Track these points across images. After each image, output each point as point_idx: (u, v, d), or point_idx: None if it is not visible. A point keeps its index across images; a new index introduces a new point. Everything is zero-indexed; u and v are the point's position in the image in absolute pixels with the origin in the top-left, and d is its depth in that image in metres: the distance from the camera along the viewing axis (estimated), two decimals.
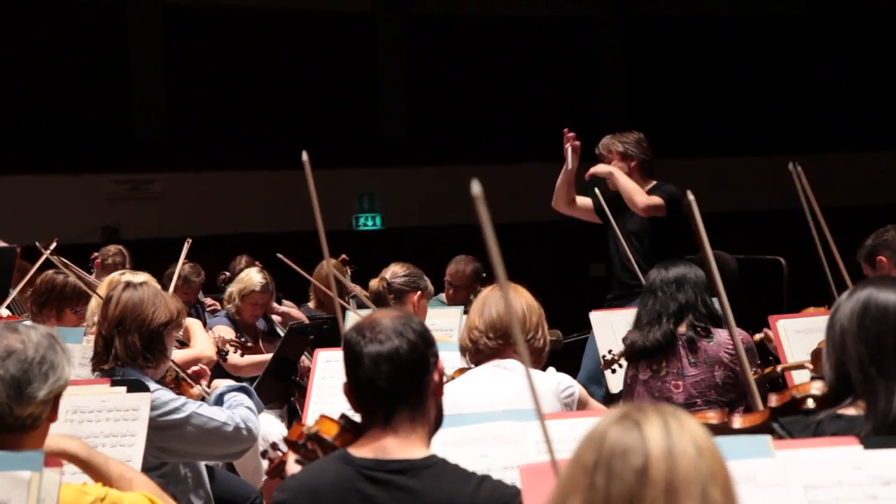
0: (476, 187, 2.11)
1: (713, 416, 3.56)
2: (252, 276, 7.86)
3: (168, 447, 4.21)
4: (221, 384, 4.74)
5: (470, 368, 4.41)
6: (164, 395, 4.27)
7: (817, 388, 3.14)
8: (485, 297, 4.45)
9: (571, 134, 7.42)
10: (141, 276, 5.36)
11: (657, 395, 5.27)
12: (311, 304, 9.05)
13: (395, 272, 6.27)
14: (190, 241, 9.85)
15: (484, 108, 17.42)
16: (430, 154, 16.44)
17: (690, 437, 1.97)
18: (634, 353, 5.38)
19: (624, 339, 5.60)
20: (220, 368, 7.15)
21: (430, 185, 16.08)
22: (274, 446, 3.50)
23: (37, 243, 7.10)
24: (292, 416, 7.04)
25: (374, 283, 6.25)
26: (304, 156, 3.56)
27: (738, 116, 18.16)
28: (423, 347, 2.99)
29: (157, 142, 15.95)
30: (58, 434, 3.11)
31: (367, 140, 16.85)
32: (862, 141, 17.61)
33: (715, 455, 1.98)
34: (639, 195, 7.30)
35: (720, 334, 5.33)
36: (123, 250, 9.60)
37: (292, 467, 3.20)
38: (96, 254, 9.81)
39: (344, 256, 9.76)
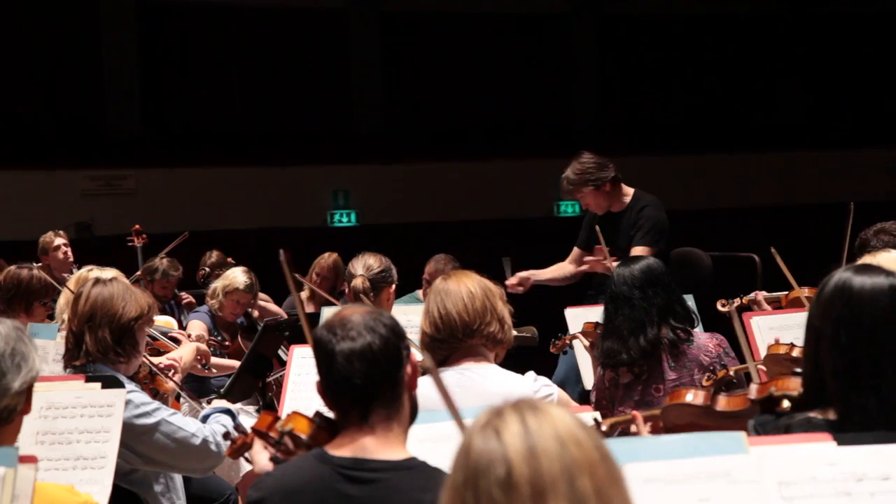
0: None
1: (699, 397, 3.55)
2: (237, 276, 7.92)
3: (138, 450, 4.17)
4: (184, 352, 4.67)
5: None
6: (138, 397, 4.24)
7: (796, 386, 3.12)
8: (429, 295, 4.29)
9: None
10: (109, 272, 5.32)
11: (638, 399, 5.20)
12: (303, 295, 8.99)
13: (369, 265, 6.16)
14: (187, 234, 9.89)
15: (458, 105, 17.42)
16: (404, 151, 16.43)
17: (551, 430, 1.91)
18: (618, 363, 5.23)
19: (599, 345, 5.54)
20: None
21: (405, 182, 16.08)
22: (236, 427, 3.47)
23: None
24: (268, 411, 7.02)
25: (357, 282, 6.09)
26: (282, 255, 3.46)
27: (710, 114, 18.22)
28: (395, 341, 2.96)
29: (131, 138, 15.88)
30: None
31: (342, 136, 16.83)
32: (828, 139, 17.68)
33: (581, 442, 1.92)
34: None
35: (699, 336, 5.25)
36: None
37: (260, 455, 3.15)
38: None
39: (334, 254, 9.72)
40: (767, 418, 3.03)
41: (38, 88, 15.72)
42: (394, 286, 6.14)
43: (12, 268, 6.63)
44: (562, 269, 7.76)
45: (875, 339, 2.90)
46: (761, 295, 6.48)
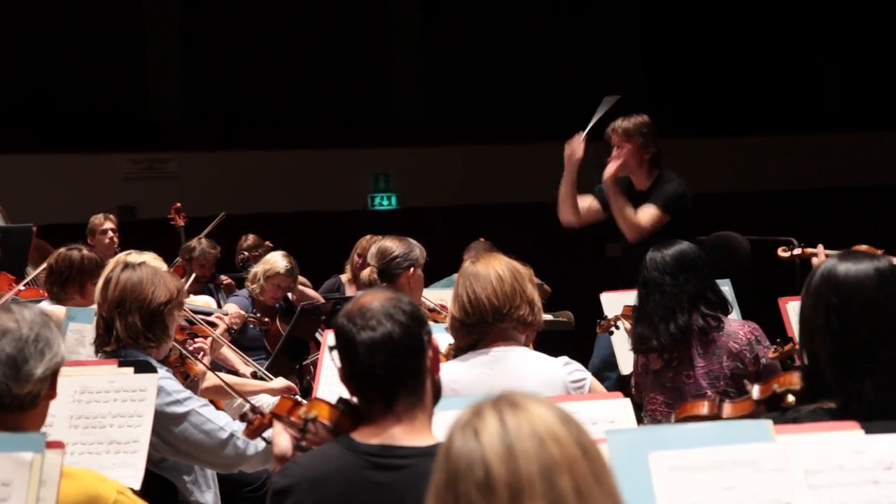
0: None
1: (704, 407, 3.54)
2: (277, 260, 7.98)
3: (164, 437, 4.18)
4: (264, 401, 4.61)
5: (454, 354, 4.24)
6: (170, 384, 4.25)
7: (797, 382, 3.10)
8: (458, 278, 4.23)
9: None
10: (147, 256, 5.32)
11: (669, 386, 5.17)
12: (343, 277, 8.95)
13: (383, 252, 5.74)
14: (224, 215, 9.97)
15: (500, 87, 17.37)
16: (446, 133, 16.41)
17: (530, 428, 1.89)
18: (649, 350, 5.20)
19: (620, 319, 5.52)
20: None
21: (446, 165, 16.07)
22: (253, 409, 3.46)
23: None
24: (306, 396, 7.06)
25: (364, 274, 5.82)
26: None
27: (754, 94, 18.08)
28: (416, 328, 2.94)
29: (174, 121, 15.96)
30: None
31: (383, 119, 16.83)
32: (869, 120, 17.50)
33: (561, 439, 1.89)
34: (628, 223, 7.13)
35: (730, 324, 5.20)
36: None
37: (281, 437, 3.14)
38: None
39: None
40: (773, 415, 3.02)
41: (81, 72, 15.80)
42: (413, 269, 5.77)
43: (62, 250, 6.65)
44: (577, 204, 7.61)
45: (865, 323, 2.89)
46: (821, 248, 6.40)
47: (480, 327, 4.11)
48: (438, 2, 17.52)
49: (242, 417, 3.41)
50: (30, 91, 15.42)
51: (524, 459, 1.86)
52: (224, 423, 4.23)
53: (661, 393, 5.16)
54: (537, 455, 1.86)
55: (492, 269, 4.15)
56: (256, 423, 3.35)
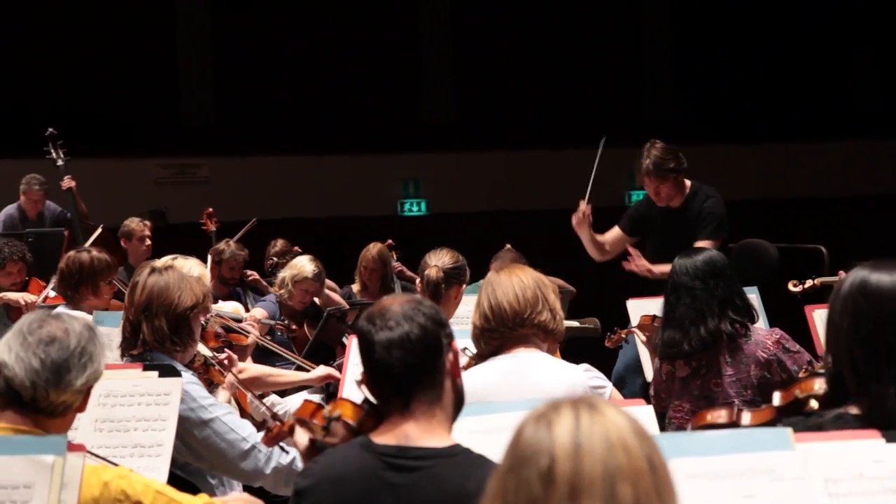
0: None
1: (722, 415, 3.53)
2: (305, 265, 7.99)
3: (188, 442, 4.20)
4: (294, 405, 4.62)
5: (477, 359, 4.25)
6: (196, 390, 4.26)
7: (820, 386, 3.09)
8: (481, 287, 4.26)
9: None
10: (192, 261, 5.35)
11: (697, 394, 5.15)
12: (354, 287, 9.09)
13: (444, 260, 5.91)
14: (256, 221, 10.04)
15: (530, 93, 17.37)
16: (476, 139, 16.42)
17: (601, 431, 1.90)
18: (679, 354, 5.18)
19: (659, 336, 5.50)
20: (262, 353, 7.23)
21: (476, 171, 16.07)
22: (273, 416, 3.48)
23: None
24: (330, 400, 7.07)
25: (431, 272, 5.94)
26: None
27: (784, 102, 18.01)
28: (435, 329, 2.96)
29: (204, 126, 16.03)
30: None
31: (413, 125, 16.86)
32: None
33: (630, 449, 1.90)
34: None
35: (757, 332, 5.18)
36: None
37: (302, 442, 3.17)
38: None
39: (390, 241, 9.80)
40: (796, 419, 3.01)
41: (113, 77, 15.90)
42: (464, 286, 5.96)
43: (71, 253, 6.69)
44: (603, 241, 7.67)
45: (893, 331, 2.88)
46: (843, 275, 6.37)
47: (500, 332, 4.13)
48: (468, 8, 17.54)
49: (262, 425, 3.43)
50: (60, 96, 15.52)
51: (590, 459, 1.88)
52: (247, 433, 4.22)
53: (688, 401, 5.14)
54: (603, 458, 1.88)
55: (514, 276, 4.19)
56: (276, 431, 3.37)
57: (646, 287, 7.35)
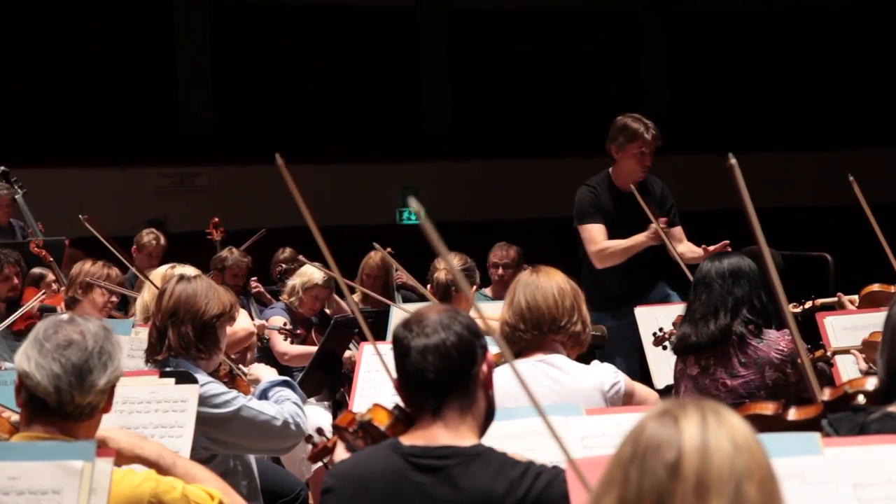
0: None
1: (768, 408, 3.52)
2: (314, 272, 7.99)
3: (218, 438, 4.24)
4: (262, 373, 4.71)
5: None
6: (214, 387, 4.29)
7: (871, 384, 3.11)
8: (514, 286, 4.28)
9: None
10: (190, 270, 5.41)
11: (704, 392, 5.15)
12: (355, 297, 9.08)
13: (464, 258, 6.16)
14: (265, 231, 10.04)
15: (527, 102, 17.39)
16: (474, 148, 16.42)
17: (728, 433, 1.94)
18: (686, 348, 5.20)
19: (674, 331, 5.50)
20: (270, 356, 7.23)
21: (474, 179, 16.07)
22: (319, 431, 3.50)
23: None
24: (339, 408, 7.07)
25: (440, 275, 6.04)
26: (278, 159, 3.53)
27: (781, 112, 18.05)
28: (470, 338, 3.00)
29: (203, 135, 16.03)
30: (112, 427, 3.20)
31: (412, 134, 16.86)
32: None
33: (754, 452, 1.95)
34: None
35: (770, 334, 5.17)
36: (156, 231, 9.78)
37: (340, 454, 3.21)
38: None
39: (389, 250, 9.79)
40: (843, 415, 3.02)
41: (112, 87, 15.89)
42: (474, 287, 6.04)
43: (79, 263, 6.79)
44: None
45: None
46: (841, 296, 6.37)
47: (532, 335, 4.14)
48: (467, 17, 17.56)
49: (308, 439, 3.45)
50: (60, 105, 15.51)
51: (718, 458, 1.91)
52: (275, 411, 4.31)
53: (693, 397, 5.14)
54: (731, 459, 1.91)
55: (553, 281, 4.22)
56: (320, 447, 3.39)
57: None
